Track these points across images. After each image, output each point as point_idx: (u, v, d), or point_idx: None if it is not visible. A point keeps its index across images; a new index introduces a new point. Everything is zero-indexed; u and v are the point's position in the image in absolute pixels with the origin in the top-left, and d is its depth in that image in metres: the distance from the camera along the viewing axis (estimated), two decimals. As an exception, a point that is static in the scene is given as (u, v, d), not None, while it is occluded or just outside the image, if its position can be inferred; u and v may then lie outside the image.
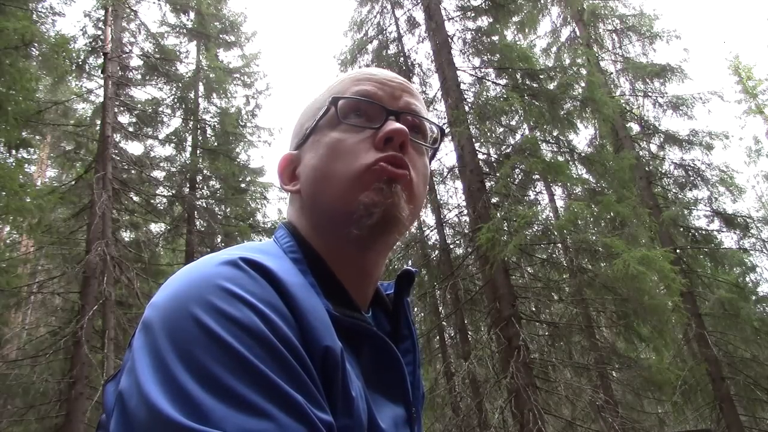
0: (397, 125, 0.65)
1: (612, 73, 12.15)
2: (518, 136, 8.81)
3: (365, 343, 0.62)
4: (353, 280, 0.67)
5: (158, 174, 11.29)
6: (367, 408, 0.57)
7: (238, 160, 12.00)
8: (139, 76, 11.06)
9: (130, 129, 10.45)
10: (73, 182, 9.33)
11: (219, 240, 11.35)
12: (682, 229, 10.75)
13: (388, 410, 0.63)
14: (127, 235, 10.64)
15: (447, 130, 7.52)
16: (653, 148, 11.61)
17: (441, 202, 10.01)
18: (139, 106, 10.75)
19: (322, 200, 0.66)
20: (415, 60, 10.59)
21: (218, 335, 0.46)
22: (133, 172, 10.09)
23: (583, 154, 8.85)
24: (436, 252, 9.89)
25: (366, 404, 0.57)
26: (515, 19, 9.83)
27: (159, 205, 10.95)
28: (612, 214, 7.50)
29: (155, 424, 0.43)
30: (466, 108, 8.15)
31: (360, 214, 0.62)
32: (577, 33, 12.23)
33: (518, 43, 9.75)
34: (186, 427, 0.41)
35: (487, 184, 7.85)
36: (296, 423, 0.44)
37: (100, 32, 9.78)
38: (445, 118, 8.57)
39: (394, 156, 0.64)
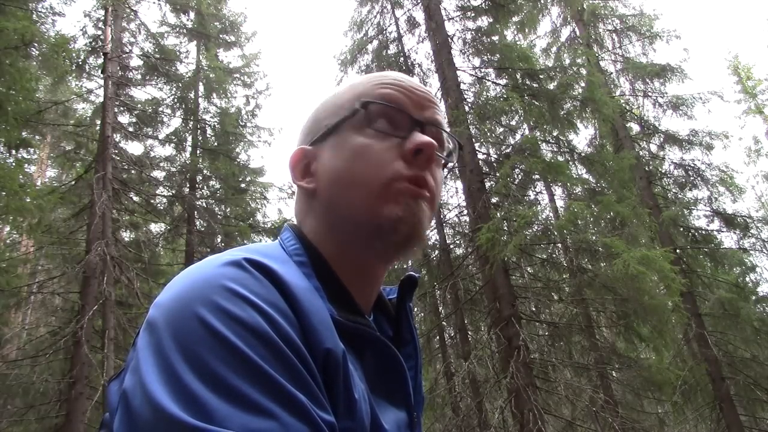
0: (428, 139, 0.65)
1: (612, 73, 12.15)
2: (518, 136, 8.82)
3: (368, 347, 0.62)
4: (359, 285, 0.66)
5: (158, 174, 11.30)
6: (370, 411, 0.57)
7: (238, 160, 11.99)
8: (139, 76, 11.06)
9: (130, 129, 10.44)
10: (73, 182, 9.33)
11: (219, 240, 11.35)
12: (682, 229, 10.75)
13: (390, 414, 0.63)
14: (127, 235, 10.64)
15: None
16: (653, 148, 11.61)
17: (441, 202, 10.00)
18: (139, 106, 10.75)
19: (345, 206, 0.64)
20: (415, 60, 10.60)
21: (223, 335, 0.46)
22: (133, 172, 10.09)
23: (583, 154, 8.85)
24: (436, 252, 9.89)
25: (369, 407, 0.57)
26: (515, 19, 9.82)
27: (159, 205, 10.94)
28: (612, 214, 7.50)
29: (159, 423, 0.43)
30: (466, 108, 8.15)
31: (386, 230, 0.62)
32: (577, 33, 12.23)
33: (518, 43, 9.75)
34: (190, 426, 0.41)
35: (487, 184, 7.85)
36: (299, 422, 0.44)
37: (100, 32, 9.77)
38: (445, 118, 8.57)
39: (417, 177, 0.64)
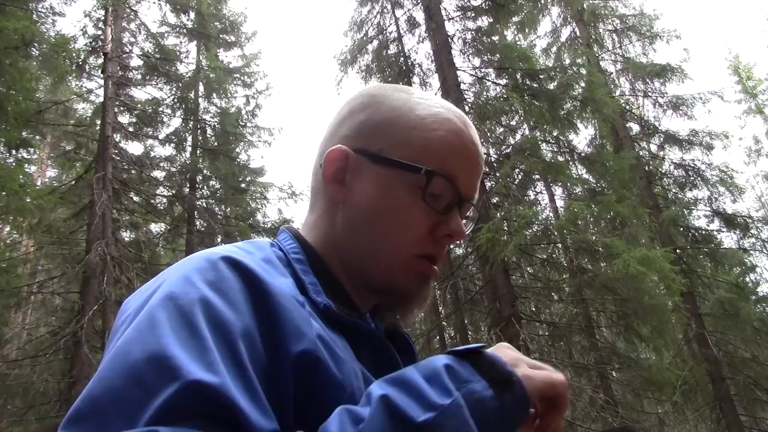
0: (462, 229, 0.66)
1: (612, 73, 12.14)
2: (518, 136, 8.82)
3: (364, 341, 0.63)
4: (356, 292, 0.68)
5: (158, 174, 11.30)
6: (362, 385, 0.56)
7: (238, 160, 12.00)
8: (139, 76, 11.06)
9: (130, 129, 10.44)
10: (73, 182, 9.34)
11: (219, 240, 11.34)
12: (682, 229, 10.74)
13: None
14: (127, 235, 10.63)
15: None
16: (653, 148, 11.61)
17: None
18: (139, 106, 10.75)
19: (367, 248, 0.65)
20: (415, 60, 10.60)
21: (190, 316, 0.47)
22: (133, 172, 10.10)
23: (583, 154, 8.86)
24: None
25: (361, 382, 0.56)
26: (515, 19, 9.83)
27: (159, 205, 10.95)
28: (612, 214, 7.50)
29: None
30: (466, 108, 8.15)
31: (392, 294, 0.66)
32: (577, 33, 12.22)
33: (518, 43, 9.76)
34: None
35: (487, 184, 7.85)
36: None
37: (100, 32, 9.78)
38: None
39: (435, 256, 0.66)
